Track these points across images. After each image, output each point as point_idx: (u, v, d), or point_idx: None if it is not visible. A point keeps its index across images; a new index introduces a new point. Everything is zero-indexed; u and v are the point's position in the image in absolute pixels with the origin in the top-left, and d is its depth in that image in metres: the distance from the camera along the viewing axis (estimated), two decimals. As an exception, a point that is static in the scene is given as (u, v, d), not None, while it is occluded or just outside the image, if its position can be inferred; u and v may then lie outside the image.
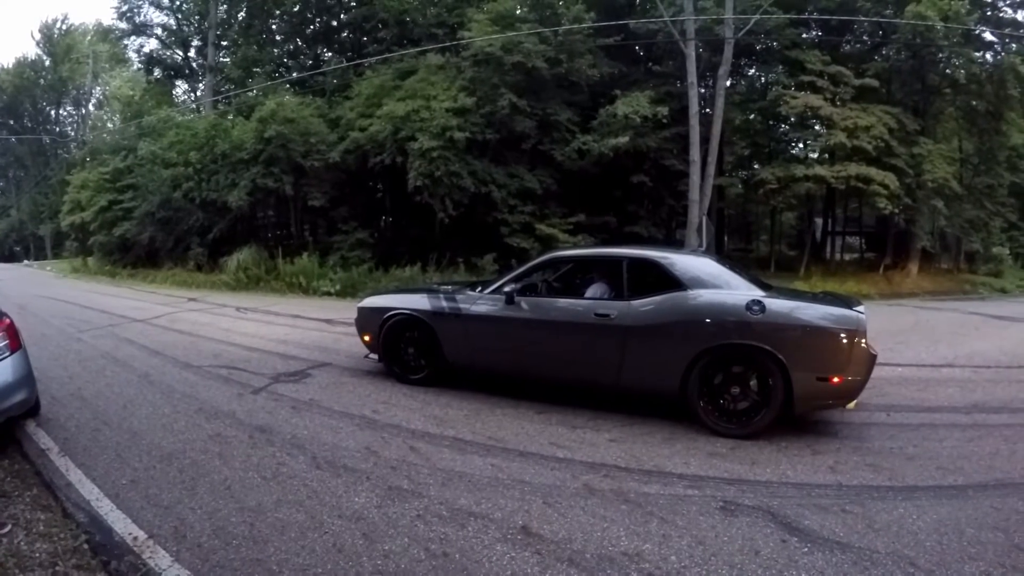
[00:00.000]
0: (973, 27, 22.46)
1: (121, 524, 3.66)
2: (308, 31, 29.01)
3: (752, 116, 26.28)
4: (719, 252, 23.52)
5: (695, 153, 20.24)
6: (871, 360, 5.36)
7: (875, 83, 23.10)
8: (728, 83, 23.21)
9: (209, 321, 12.31)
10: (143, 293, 18.77)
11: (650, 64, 24.43)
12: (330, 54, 29.04)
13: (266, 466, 4.55)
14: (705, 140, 20.92)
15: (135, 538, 3.50)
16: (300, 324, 12.11)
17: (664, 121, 20.35)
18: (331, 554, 3.35)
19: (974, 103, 25.24)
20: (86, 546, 3.44)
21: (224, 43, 32.03)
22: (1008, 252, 34.27)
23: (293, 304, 15.70)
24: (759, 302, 5.30)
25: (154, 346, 9.33)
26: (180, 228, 24.13)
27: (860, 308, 5.53)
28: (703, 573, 3.22)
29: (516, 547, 3.44)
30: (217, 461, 4.64)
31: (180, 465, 4.56)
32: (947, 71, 24.36)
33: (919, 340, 11.25)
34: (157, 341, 9.82)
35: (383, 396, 6.57)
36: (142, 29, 34.71)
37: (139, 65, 37.09)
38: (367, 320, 7.45)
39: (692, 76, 20.45)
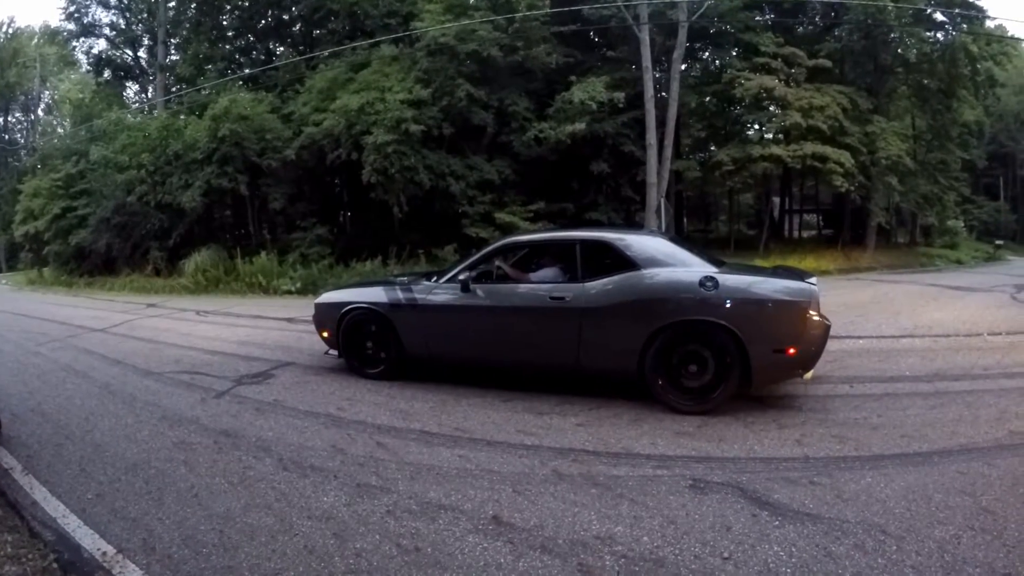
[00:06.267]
0: (924, 7, 22.89)
1: (89, 540, 3.58)
2: (259, 26, 28.57)
3: (707, 99, 26.57)
4: (679, 234, 23.81)
5: (651, 137, 20.44)
6: (825, 330, 5.48)
7: (828, 64, 23.52)
8: (683, 67, 23.48)
9: (169, 326, 12.12)
10: (101, 302, 18.38)
11: (605, 50, 24.58)
12: (282, 48, 28.74)
13: (233, 471, 4.50)
14: (661, 123, 21.15)
15: (104, 553, 3.43)
16: (261, 324, 11.99)
17: (620, 106, 20.45)
18: (302, 556, 3.32)
19: (926, 82, 25.89)
20: (55, 565, 3.36)
21: (174, 41, 31.53)
22: (963, 225, 35.30)
23: (254, 304, 15.54)
24: (712, 278, 5.38)
25: (114, 355, 9.15)
26: (137, 233, 23.64)
27: (812, 280, 5.67)
28: (676, 552, 3.24)
29: (488, 537, 3.44)
30: (183, 469, 4.57)
31: (146, 475, 4.48)
32: (899, 51, 24.83)
33: (879, 312, 11.48)
34: (117, 350, 9.63)
35: (347, 393, 6.53)
36: (90, 30, 33.95)
37: (88, 67, 36.26)
38: (325, 316, 7.40)
39: (647, 60, 20.60)
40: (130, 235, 23.94)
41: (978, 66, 25.63)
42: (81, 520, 3.82)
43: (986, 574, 2.94)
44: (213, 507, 3.92)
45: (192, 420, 5.75)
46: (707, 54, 28.44)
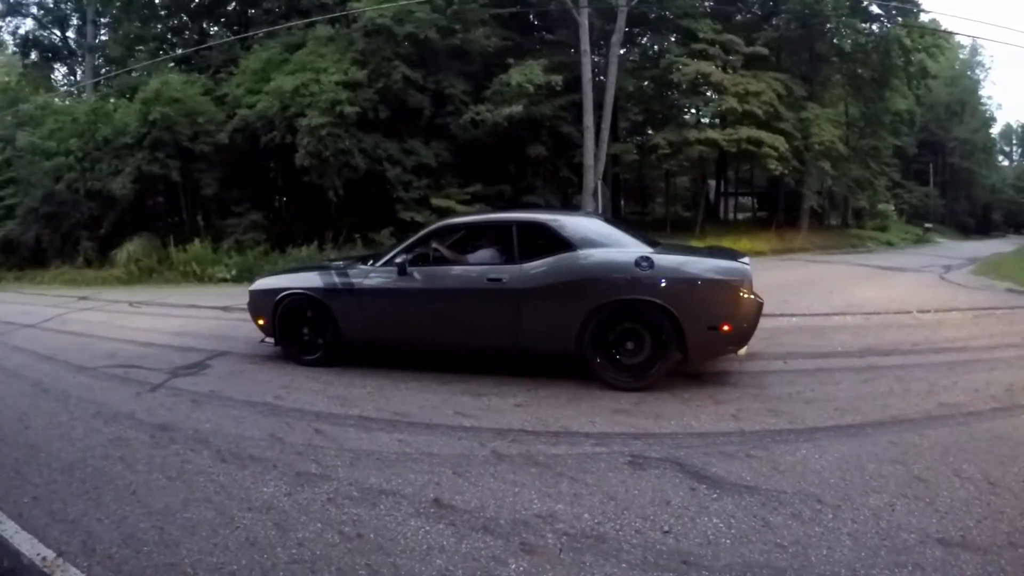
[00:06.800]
0: (860, -1, 23.55)
1: (28, 545, 3.45)
2: (192, 5, 27.74)
3: (645, 83, 26.86)
4: (616, 216, 24.11)
5: (589, 119, 20.64)
6: (758, 307, 5.64)
7: (765, 51, 24.00)
8: (621, 51, 23.65)
9: (102, 319, 11.74)
10: (31, 296, 17.64)
11: (543, 33, 24.69)
12: (216, 28, 28.03)
13: (170, 465, 4.39)
14: (599, 107, 21.36)
15: (44, 558, 3.31)
16: (196, 314, 11.78)
17: (558, 89, 20.59)
18: (245, 549, 3.27)
19: (860, 71, 26.70)
20: (-6, 574, 3.27)
21: (104, 20, 30.39)
22: (893, 208, 36.57)
23: (188, 294, 15.21)
24: (647, 258, 5.50)
25: (46, 351, 8.80)
26: (67, 223, 22.72)
27: (745, 260, 5.85)
28: (617, 527, 3.28)
29: (430, 521, 3.44)
30: (120, 466, 4.45)
31: (82, 475, 4.34)
32: (835, 41, 25.62)
33: (812, 291, 11.83)
34: (48, 346, 9.28)
35: (284, 380, 6.44)
36: (16, 8, 32.34)
37: (15, 48, 34.62)
38: (260, 303, 7.27)
39: (585, 44, 20.77)
40: (60, 225, 23.02)
41: (911, 57, 26.41)
42: (19, 525, 3.68)
43: (920, 539, 3.05)
44: (152, 504, 3.83)
45: (127, 415, 5.59)
46: (646, 39, 28.74)
